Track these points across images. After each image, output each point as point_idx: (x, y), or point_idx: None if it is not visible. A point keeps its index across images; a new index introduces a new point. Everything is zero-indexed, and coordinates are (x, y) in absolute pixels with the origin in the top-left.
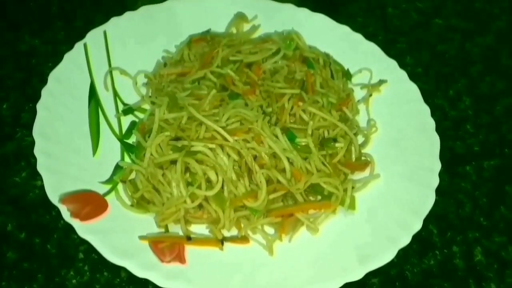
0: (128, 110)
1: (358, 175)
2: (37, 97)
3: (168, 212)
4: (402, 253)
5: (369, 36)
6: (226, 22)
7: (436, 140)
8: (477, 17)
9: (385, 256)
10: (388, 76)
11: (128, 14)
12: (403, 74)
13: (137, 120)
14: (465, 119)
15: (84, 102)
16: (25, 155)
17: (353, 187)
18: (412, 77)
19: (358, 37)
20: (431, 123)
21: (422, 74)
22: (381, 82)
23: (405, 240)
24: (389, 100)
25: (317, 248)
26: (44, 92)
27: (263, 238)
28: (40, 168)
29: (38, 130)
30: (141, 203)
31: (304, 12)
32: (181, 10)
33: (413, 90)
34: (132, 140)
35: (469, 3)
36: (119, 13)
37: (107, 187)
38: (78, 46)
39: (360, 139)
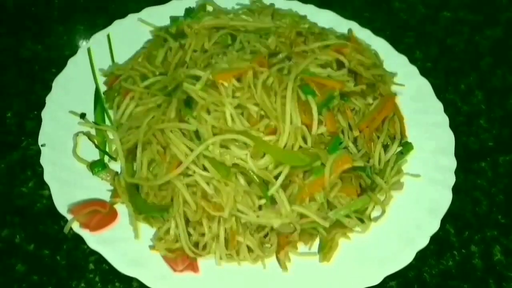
0: None
1: None
2: (42, 104)
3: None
4: (420, 255)
5: (376, 31)
6: None
7: (451, 137)
8: (485, 9)
9: (403, 259)
10: (398, 71)
11: (131, 16)
12: (414, 70)
13: None
14: (478, 114)
15: (90, 108)
16: (31, 164)
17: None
18: (422, 72)
19: (366, 32)
20: (445, 119)
21: (432, 68)
22: (392, 75)
23: (423, 242)
24: (401, 97)
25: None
26: (49, 99)
27: None
28: (47, 177)
29: (43, 139)
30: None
31: (311, 8)
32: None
33: (425, 86)
34: None
35: None
36: (122, 15)
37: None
38: (82, 50)
39: None
